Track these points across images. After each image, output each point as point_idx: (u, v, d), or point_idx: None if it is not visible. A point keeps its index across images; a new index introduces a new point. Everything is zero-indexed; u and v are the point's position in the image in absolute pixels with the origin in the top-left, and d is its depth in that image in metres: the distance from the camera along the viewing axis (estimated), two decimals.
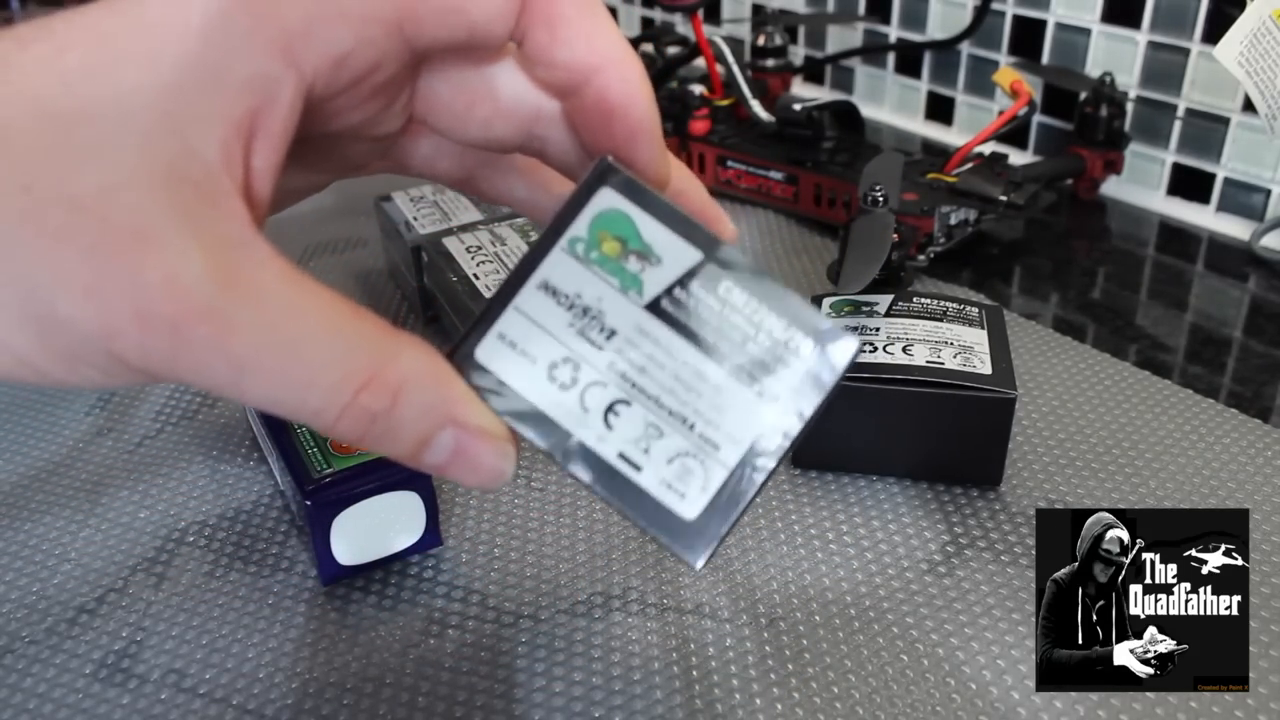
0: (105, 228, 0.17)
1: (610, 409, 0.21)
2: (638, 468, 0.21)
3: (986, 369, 0.37)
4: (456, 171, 0.26)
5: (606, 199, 0.22)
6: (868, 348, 0.38)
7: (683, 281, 0.21)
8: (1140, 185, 0.66)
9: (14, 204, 0.17)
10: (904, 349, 0.38)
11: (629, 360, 0.21)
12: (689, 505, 0.21)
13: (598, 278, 0.21)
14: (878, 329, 0.39)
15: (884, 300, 0.41)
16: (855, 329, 0.39)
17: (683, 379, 0.21)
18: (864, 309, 0.41)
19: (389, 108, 0.23)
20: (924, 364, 0.37)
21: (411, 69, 0.22)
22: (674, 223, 0.21)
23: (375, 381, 0.19)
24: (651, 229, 0.21)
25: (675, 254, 0.21)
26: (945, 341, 0.38)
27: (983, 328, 0.40)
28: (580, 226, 0.22)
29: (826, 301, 0.42)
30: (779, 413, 0.21)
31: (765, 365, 0.21)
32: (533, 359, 0.21)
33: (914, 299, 0.41)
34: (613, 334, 0.21)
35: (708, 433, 0.21)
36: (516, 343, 0.21)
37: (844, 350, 0.21)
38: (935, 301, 0.41)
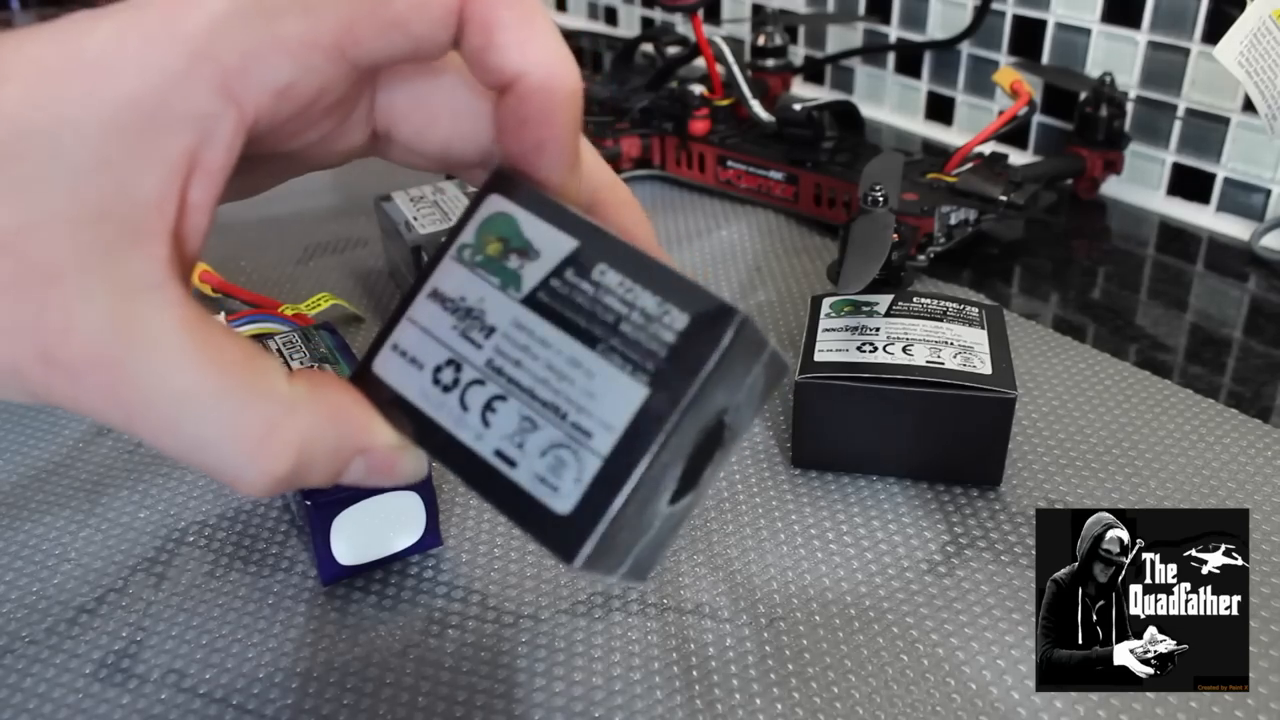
0: (20, 266, 0.17)
1: (488, 406, 0.21)
2: (513, 464, 0.20)
3: (986, 369, 0.37)
4: (435, 166, 0.26)
5: (493, 204, 0.22)
6: (867, 347, 0.38)
7: (558, 271, 0.21)
8: (1140, 185, 0.66)
9: None
10: (904, 349, 0.38)
11: (505, 355, 0.21)
12: (562, 499, 0.20)
13: (480, 279, 0.21)
14: (878, 329, 0.39)
15: (884, 300, 0.41)
16: (855, 328, 0.39)
17: (556, 368, 0.20)
18: (864, 309, 0.41)
19: (344, 124, 0.23)
20: (924, 364, 0.37)
21: (362, 85, 0.22)
22: (554, 216, 0.21)
23: (272, 441, 0.19)
24: (532, 226, 0.21)
25: (552, 245, 0.21)
26: (945, 341, 0.38)
27: (983, 328, 0.40)
28: (469, 233, 0.22)
29: (826, 301, 0.42)
30: (655, 395, 0.19)
31: (637, 344, 0.20)
32: (420, 365, 0.21)
33: (914, 299, 0.41)
34: (491, 331, 0.21)
35: (581, 421, 0.20)
36: (408, 351, 0.22)
37: (722, 324, 0.19)
38: (935, 301, 0.41)
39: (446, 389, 0.21)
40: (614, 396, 0.20)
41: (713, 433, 0.21)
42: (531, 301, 0.21)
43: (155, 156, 0.18)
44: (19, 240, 0.17)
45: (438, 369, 0.21)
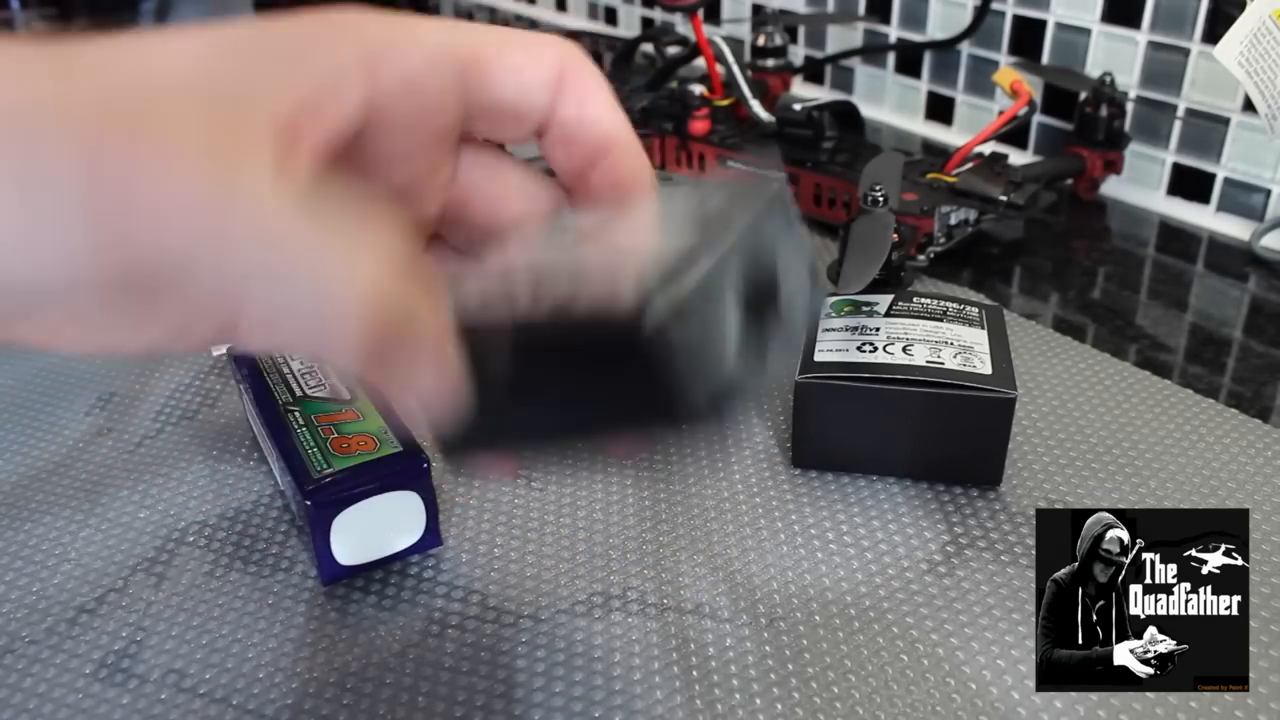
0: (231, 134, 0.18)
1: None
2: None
3: (986, 369, 0.37)
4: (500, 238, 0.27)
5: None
6: (867, 347, 0.38)
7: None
8: (1140, 185, 0.66)
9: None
10: (904, 349, 0.38)
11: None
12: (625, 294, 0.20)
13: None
14: (878, 329, 0.39)
15: (884, 300, 0.41)
16: (855, 328, 0.39)
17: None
18: (864, 309, 0.41)
19: (430, 177, 0.23)
20: (924, 364, 0.37)
21: (448, 153, 0.23)
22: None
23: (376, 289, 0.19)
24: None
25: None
26: (945, 341, 0.38)
27: (983, 328, 0.40)
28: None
29: (827, 301, 0.42)
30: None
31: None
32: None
33: (914, 299, 0.41)
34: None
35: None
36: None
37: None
38: (935, 301, 0.41)
39: None
40: (675, 237, 0.21)
41: (762, 280, 0.22)
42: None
43: (292, 88, 0.19)
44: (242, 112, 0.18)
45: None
